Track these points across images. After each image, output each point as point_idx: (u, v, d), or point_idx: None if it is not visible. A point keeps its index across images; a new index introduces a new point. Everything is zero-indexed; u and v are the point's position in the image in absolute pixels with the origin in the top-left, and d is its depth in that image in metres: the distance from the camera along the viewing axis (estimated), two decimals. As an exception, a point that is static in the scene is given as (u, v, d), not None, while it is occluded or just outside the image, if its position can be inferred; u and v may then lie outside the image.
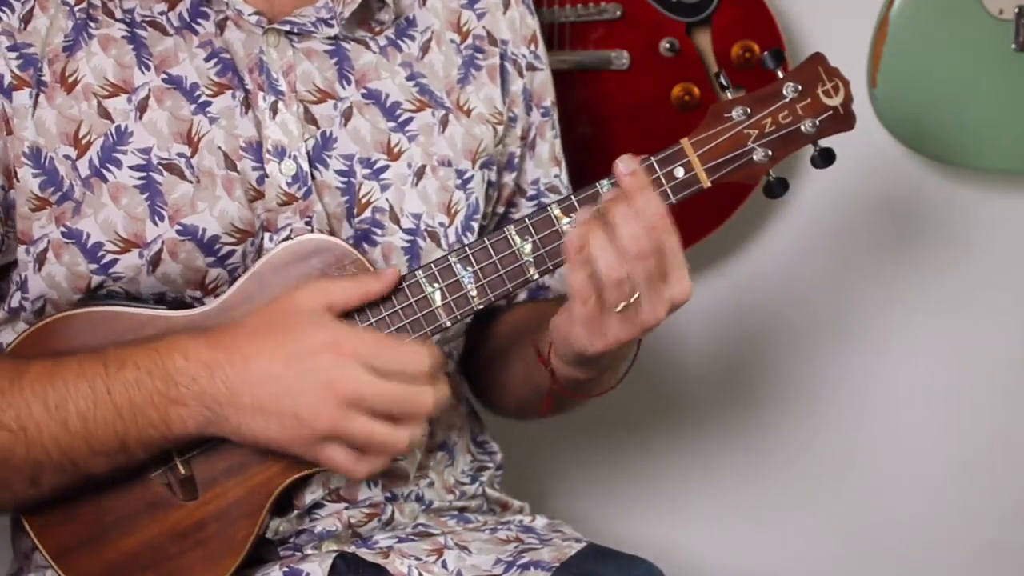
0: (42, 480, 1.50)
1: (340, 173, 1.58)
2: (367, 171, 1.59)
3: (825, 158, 1.57)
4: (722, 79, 1.55)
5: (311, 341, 1.46)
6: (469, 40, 1.68)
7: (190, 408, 1.46)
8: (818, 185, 2.17)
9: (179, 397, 1.46)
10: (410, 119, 1.62)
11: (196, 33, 1.56)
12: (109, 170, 1.54)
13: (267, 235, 1.57)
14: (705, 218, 2.12)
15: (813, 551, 2.37)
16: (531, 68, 1.72)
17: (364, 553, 1.58)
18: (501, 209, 1.74)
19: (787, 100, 1.53)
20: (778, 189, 1.57)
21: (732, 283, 2.28)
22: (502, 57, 1.69)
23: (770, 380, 2.31)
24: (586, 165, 1.91)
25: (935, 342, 2.30)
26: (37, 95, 1.54)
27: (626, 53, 2.06)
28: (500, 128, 1.68)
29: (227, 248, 1.55)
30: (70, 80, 1.54)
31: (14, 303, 1.58)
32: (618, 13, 2.05)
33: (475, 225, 1.66)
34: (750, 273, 2.27)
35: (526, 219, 1.52)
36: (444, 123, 1.64)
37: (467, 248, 1.52)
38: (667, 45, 2.05)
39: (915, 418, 2.32)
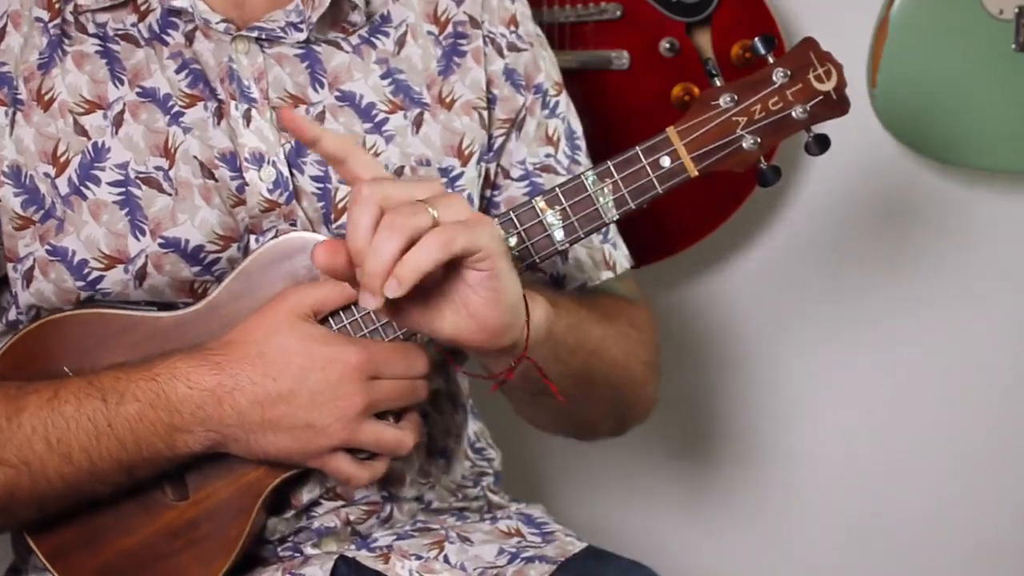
0: (48, 507, 1.50)
1: (315, 179, 1.57)
2: None
3: (819, 144, 1.51)
4: (710, 67, 1.52)
5: (319, 357, 1.46)
6: (449, 28, 1.64)
7: (195, 434, 1.46)
8: (817, 185, 2.17)
9: (183, 424, 1.46)
10: (386, 119, 1.60)
11: (166, 44, 1.55)
12: (88, 187, 1.53)
13: (252, 237, 1.56)
14: (704, 218, 2.12)
15: (814, 552, 2.37)
16: (513, 48, 1.67)
17: (364, 557, 1.58)
18: (488, 193, 1.69)
19: (777, 86, 1.49)
20: (771, 176, 1.52)
21: (731, 284, 2.28)
22: (482, 39, 1.66)
23: (769, 381, 2.32)
24: (585, 165, 1.91)
25: (934, 341, 2.30)
26: (14, 114, 1.54)
27: (626, 53, 2.06)
28: (485, 113, 1.65)
29: (212, 256, 1.55)
30: (46, 98, 1.54)
31: (11, 316, 1.58)
32: (618, 13, 2.05)
33: None
34: (749, 274, 2.27)
35: (510, 212, 1.48)
36: (418, 123, 1.61)
37: None
38: (667, 45, 2.05)
39: (915, 417, 2.33)
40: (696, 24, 2.05)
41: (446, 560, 1.57)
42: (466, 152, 1.63)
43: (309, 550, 1.60)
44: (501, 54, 1.66)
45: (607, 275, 1.71)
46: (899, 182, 2.22)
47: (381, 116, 1.60)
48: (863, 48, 2.08)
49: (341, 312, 1.50)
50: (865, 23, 2.08)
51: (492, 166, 1.67)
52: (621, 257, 1.74)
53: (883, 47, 2.07)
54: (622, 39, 2.06)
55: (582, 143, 1.74)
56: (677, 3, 2.04)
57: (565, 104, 1.72)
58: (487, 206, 1.68)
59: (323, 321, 1.50)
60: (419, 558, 1.57)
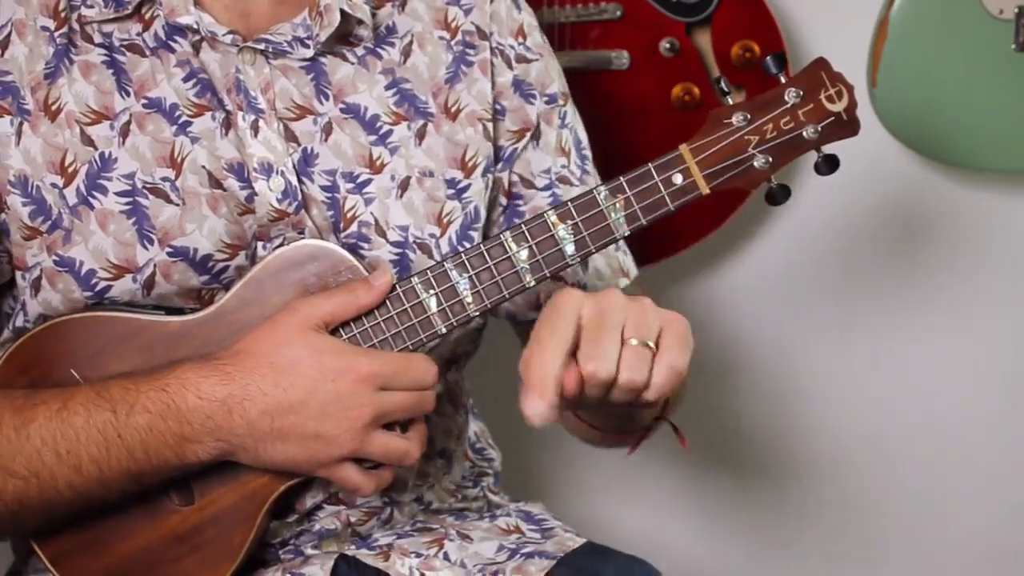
0: (56, 515, 1.50)
1: (324, 188, 1.57)
2: (350, 185, 1.58)
3: (829, 164, 1.54)
4: (723, 85, 1.52)
5: (329, 368, 1.46)
6: (459, 36, 1.65)
7: (205, 444, 1.46)
8: (817, 185, 2.16)
9: (193, 435, 1.46)
10: (390, 131, 1.60)
11: (173, 52, 1.55)
12: (95, 197, 1.53)
13: (260, 244, 1.56)
14: (703, 220, 2.12)
15: (813, 552, 2.37)
16: (522, 60, 1.67)
17: (364, 555, 1.58)
18: (504, 200, 1.69)
19: (788, 106, 1.50)
20: (780, 196, 1.54)
21: (730, 285, 2.28)
22: (490, 50, 1.66)
23: (769, 382, 2.32)
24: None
25: (934, 341, 2.30)
26: (21, 124, 1.53)
27: (626, 53, 2.06)
28: (491, 125, 1.65)
29: (220, 264, 1.54)
30: (53, 108, 1.53)
31: (18, 323, 1.58)
32: (618, 13, 2.05)
33: (474, 235, 1.63)
34: (748, 274, 2.27)
35: (522, 225, 1.50)
36: (421, 135, 1.61)
37: (463, 254, 1.51)
38: (667, 45, 2.05)
39: (916, 418, 2.33)
40: (696, 24, 2.05)
41: (446, 557, 1.57)
42: (470, 164, 1.63)
43: (309, 551, 1.60)
44: (510, 66, 1.66)
45: (624, 282, 1.73)
46: (899, 182, 2.22)
47: (385, 128, 1.60)
48: (863, 48, 2.08)
49: (364, 317, 1.51)
50: (865, 23, 2.08)
51: (505, 175, 1.67)
52: (630, 264, 1.75)
53: (883, 47, 2.07)
54: (622, 39, 2.06)
55: (589, 153, 1.74)
56: (677, 3, 2.04)
57: (572, 114, 1.73)
58: (507, 215, 1.68)
59: (333, 332, 1.50)
60: (419, 556, 1.57)
